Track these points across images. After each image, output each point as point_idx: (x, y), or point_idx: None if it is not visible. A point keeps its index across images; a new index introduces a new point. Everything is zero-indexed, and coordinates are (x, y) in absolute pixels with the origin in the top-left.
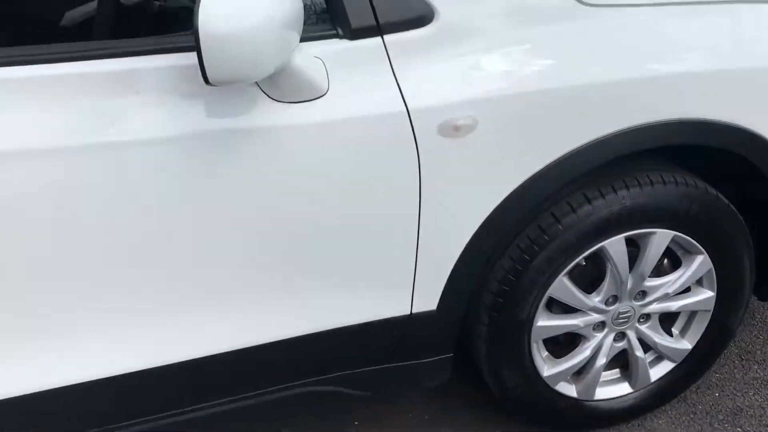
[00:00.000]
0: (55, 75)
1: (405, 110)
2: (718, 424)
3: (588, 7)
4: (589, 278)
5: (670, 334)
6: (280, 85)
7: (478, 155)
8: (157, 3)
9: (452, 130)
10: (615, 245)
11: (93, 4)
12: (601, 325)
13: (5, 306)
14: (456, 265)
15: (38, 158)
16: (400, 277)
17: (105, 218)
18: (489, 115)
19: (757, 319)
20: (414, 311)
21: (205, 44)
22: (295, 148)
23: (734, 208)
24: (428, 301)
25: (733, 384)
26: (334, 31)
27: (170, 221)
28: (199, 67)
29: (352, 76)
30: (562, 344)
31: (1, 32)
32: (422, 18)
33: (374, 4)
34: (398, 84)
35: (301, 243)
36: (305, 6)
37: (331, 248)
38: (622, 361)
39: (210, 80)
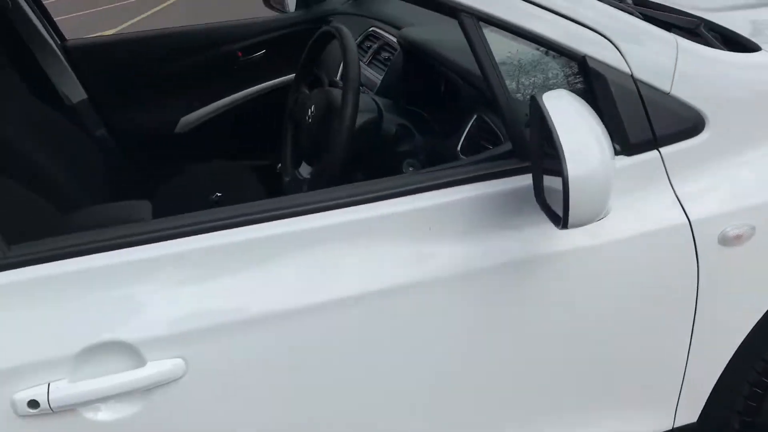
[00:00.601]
0: (359, 219)
1: (687, 222)
2: None
3: None
4: None
5: None
6: None
7: (753, 262)
8: (394, 128)
9: (733, 239)
10: None
11: (207, 110)
12: None
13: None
14: (722, 374)
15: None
16: (667, 392)
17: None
18: (766, 221)
19: None
20: (676, 425)
21: (574, 189)
22: (580, 271)
23: None
24: (691, 413)
25: None
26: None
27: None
28: (560, 213)
29: (632, 191)
30: None
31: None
32: (695, 127)
33: (651, 117)
34: (677, 196)
35: (575, 362)
36: None
37: (605, 366)
38: None
39: (569, 225)
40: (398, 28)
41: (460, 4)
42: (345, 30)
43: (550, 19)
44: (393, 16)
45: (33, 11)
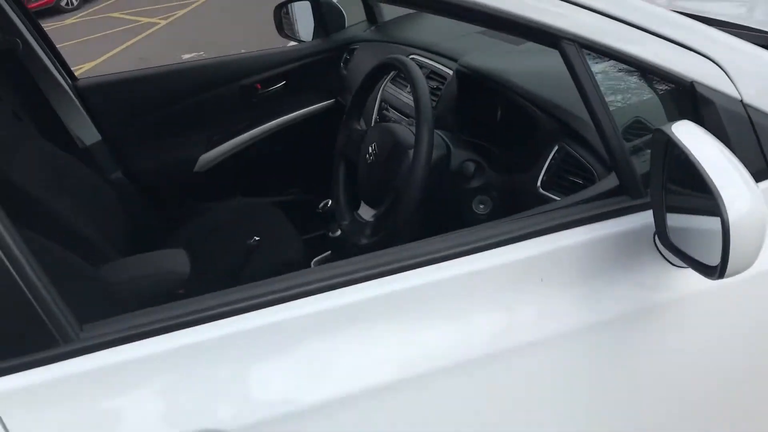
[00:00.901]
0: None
1: None
2: None
3: None
4: None
5: None
6: None
7: None
8: (465, 163)
9: None
10: None
11: (227, 146)
12: None
13: None
14: None
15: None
16: None
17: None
18: None
19: None
20: None
21: (736, 232)
22: (698, 317)
23: None
24: None
25: None
26: None
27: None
28: (706, 260)
29: None
30: None
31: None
32: None
33: (762, 145)
34: None
35: (688, 412)
36: None
37: (721, 412)
38: None
39: (726, 274)
40: (437, 54)
41: (564, 32)
42: (409, 61)
43: (656, 44)
44: (426, 42)
45: (44, 51)
